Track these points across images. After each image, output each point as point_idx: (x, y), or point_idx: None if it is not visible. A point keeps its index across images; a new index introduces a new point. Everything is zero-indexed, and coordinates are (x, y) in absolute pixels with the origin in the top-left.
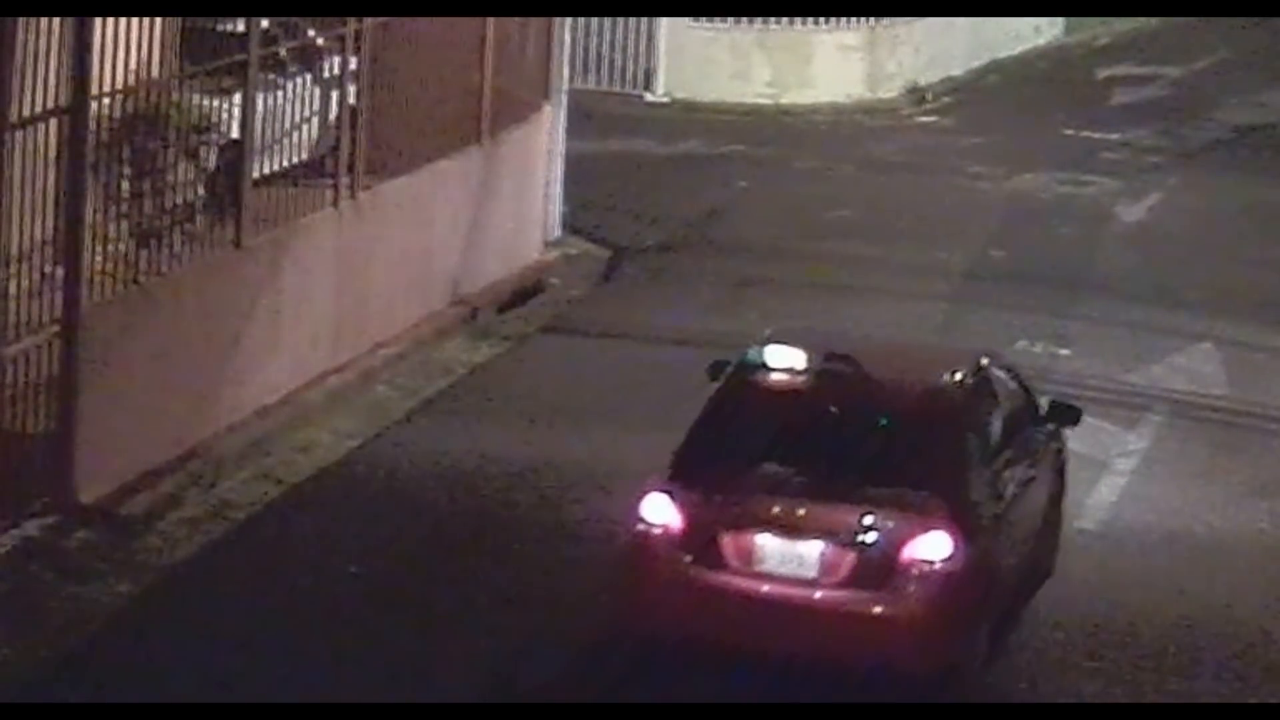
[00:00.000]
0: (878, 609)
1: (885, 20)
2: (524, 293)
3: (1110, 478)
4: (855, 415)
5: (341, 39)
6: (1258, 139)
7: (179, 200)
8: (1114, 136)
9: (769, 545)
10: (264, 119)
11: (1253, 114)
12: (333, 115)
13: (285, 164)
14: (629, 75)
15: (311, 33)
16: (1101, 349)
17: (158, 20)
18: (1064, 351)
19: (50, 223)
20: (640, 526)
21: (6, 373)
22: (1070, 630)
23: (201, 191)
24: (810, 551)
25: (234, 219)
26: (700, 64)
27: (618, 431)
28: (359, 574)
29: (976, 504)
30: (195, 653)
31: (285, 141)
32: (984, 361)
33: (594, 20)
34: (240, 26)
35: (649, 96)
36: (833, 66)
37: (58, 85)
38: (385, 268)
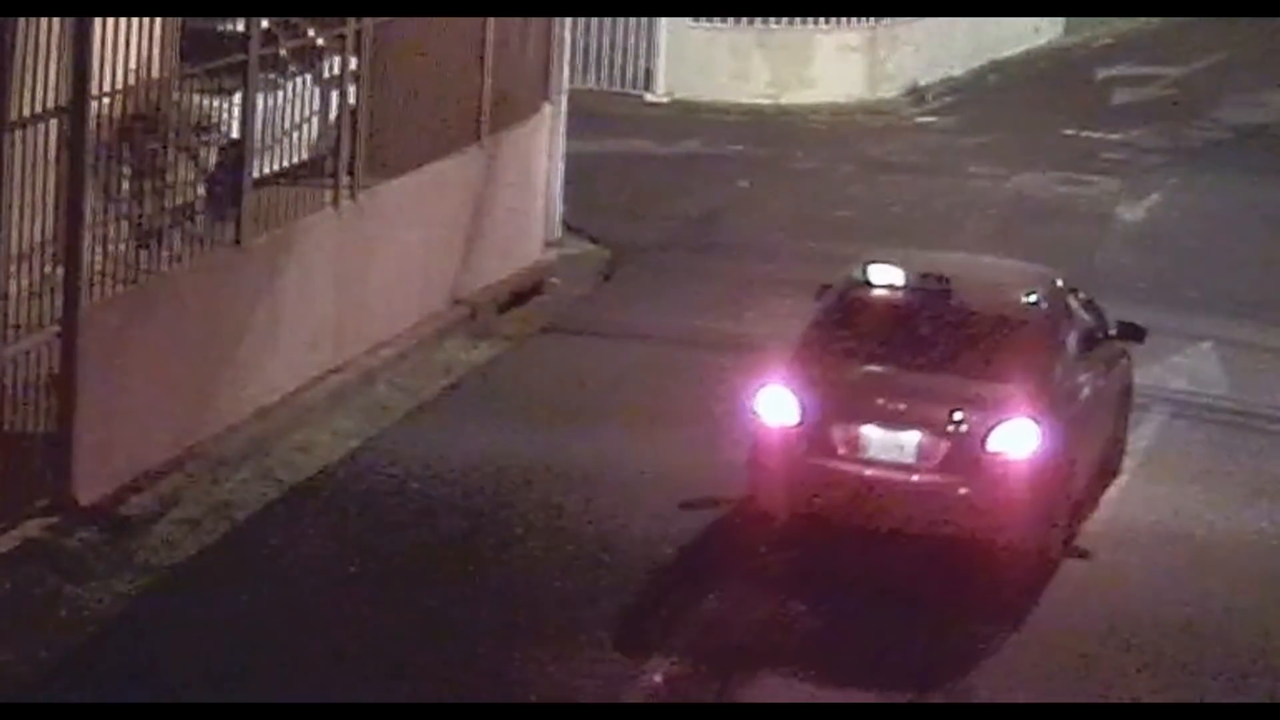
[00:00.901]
0: (968, 491)
1: (885, 20)
2: (524, 293)
3: (1110, 478)
4: (947, 322)
5: (341, 39)
6: (1258, 139)
7: (179, 200)
8: (1114, 136)
9: (873, 435)
10: (264, 119)
11: (1253, 114)
12: (333, 115)
13: (285, 164)
14: (629, 75)
15: (311, 33)
16: None
17: (158, 20)
18: None
19: (50, 223)
20: (759, 422)
21: (6, 373)
22: (1070, 630)
23: (201, 191)
24: (909, 440)
25: (234, 219)
26: (700, 64)
27: (618, 431)
28: (359, 574)
29: (1057, 400)
30: (195, 653)
31: (285, 141)
32: (1060, 280)
33: (594, 20)
34: (240, 26)
35: (649, 96)
36: (833, 66)
37: (58, 85)
38: (385, 268)
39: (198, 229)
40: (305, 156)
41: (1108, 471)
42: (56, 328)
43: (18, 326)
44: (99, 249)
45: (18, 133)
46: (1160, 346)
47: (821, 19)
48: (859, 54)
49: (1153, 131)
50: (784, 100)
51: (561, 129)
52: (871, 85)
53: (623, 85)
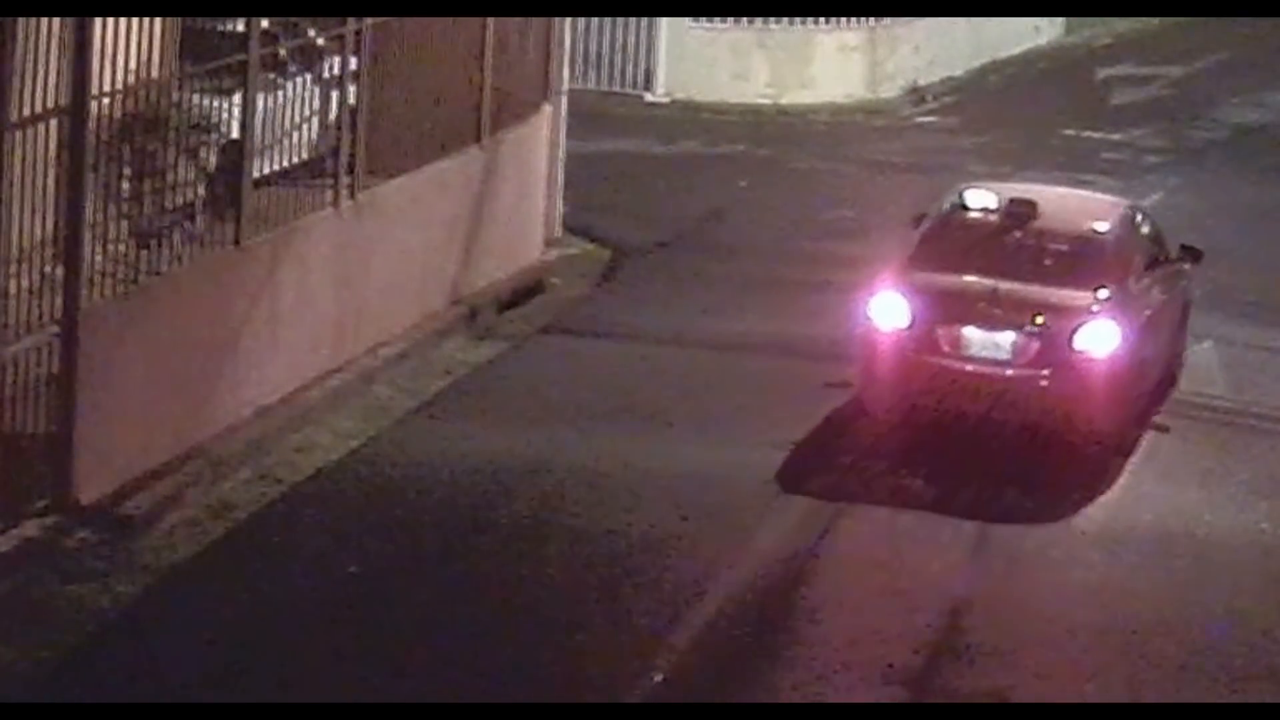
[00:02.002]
0: (1055, 384)
1: (885, 20)
2: (524, 293)
3: (1110, 478)
4: (1035, 240)
5: (341, 39)
6: (1258, 139)
7: (179, 200)
8: (1114, 136)
9: (974, 336)
10: (264, 119)
11: (1253, 114)
12: (333, 115)
13: (285, 164)
14: (629, 75)
15: (311, 33)
16: None
17: (158, 20)
18: None
19: (50, 223)
20: (871, 325)
21: (6, 373)
22: (1070, 630)
23: (201, 191)
24: (1005, 340)
25: (234, 219)
26: (700, 64)
27: (618, 431)
28: (359, 574)
29: (1130, 308)
30: (195, 653)
31: (285, 141)
32: (1131, 206)
33: (594, 20)
34: (240, 26)
35: (649, 96)
36: (833, 66)
37: (58, 85)
38: (385, 268)
39: (198, 229)
40: (305, 156)
41: (1170, 376)
42: (56, 328)
43: (18, 326)
44: (99, 249)
45: (18, 133)
46: None
47: (821, 19)
48: (859, 54)
49: (1153, 131)
50: (784, 100)
51: (561, 129)
52: (871, 85)
53: (623, 85)
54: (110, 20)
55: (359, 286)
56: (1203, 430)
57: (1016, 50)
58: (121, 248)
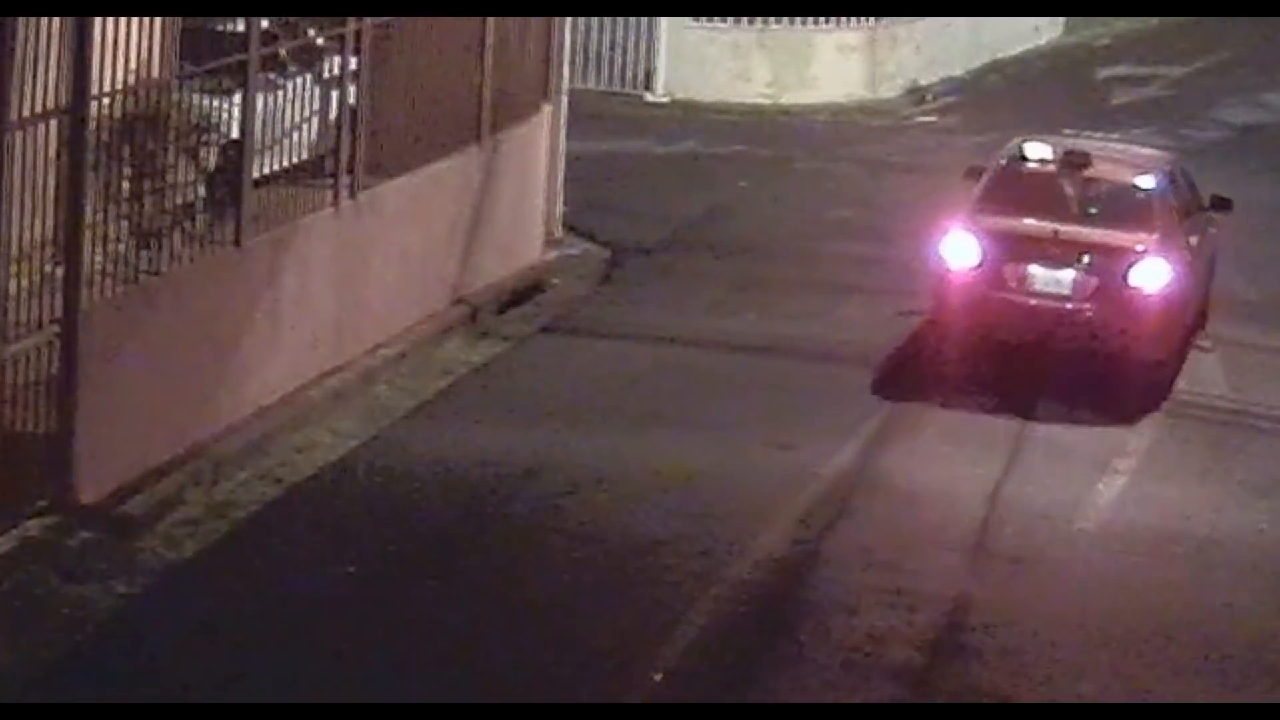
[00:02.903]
0: (1112, 315)
1: (885, 20)
2: (524, 293)
3: (1110, 478)
4: (1089, 188)
5: (341, 39)
6: (1258, 139)
7: (179, 200)
8: (1114, 136)
9: (1038, 273)
10: (264, 119)
11: (1253, 114)
12: (333, 115)
13: (285, 164)
14: (629, 75)
15: (311, 33)
16: None
17: (158, 20)
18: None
19: (50, 223)
20: (944, 264)
21: (6, 373)
22: (1070, 630)
23: (201, 191)
24: (1066, 276)
25: (234, 219)
26: (700, 64)
27: (618, 431)
28: (358, 574)
29: (1175, 249)
30: (195, 653)
31: (285, 141)
32: (1172, 159)
33: (594, 20)
34: (240, 26)
35: (649, 96)
36: (833, 66)
37: (58, 85)
38: (385, 268)
39: (198, 229)
40: (305, 156)
41: (1202, 314)
42: (56, 328)
43: (18, 326)
44: (99, 249)
45: (18, 133)
46: None
47: (821, 19)
48: (859, 54)
49: (1152, 131)
50: (784, 100)
51: (561, 129)
52: (871, 85)
53: (623, 85)
54: (110, 20)
55: (359, 286)
56: (1203, 430)
57: (1016, 50)
58: (121, 248)
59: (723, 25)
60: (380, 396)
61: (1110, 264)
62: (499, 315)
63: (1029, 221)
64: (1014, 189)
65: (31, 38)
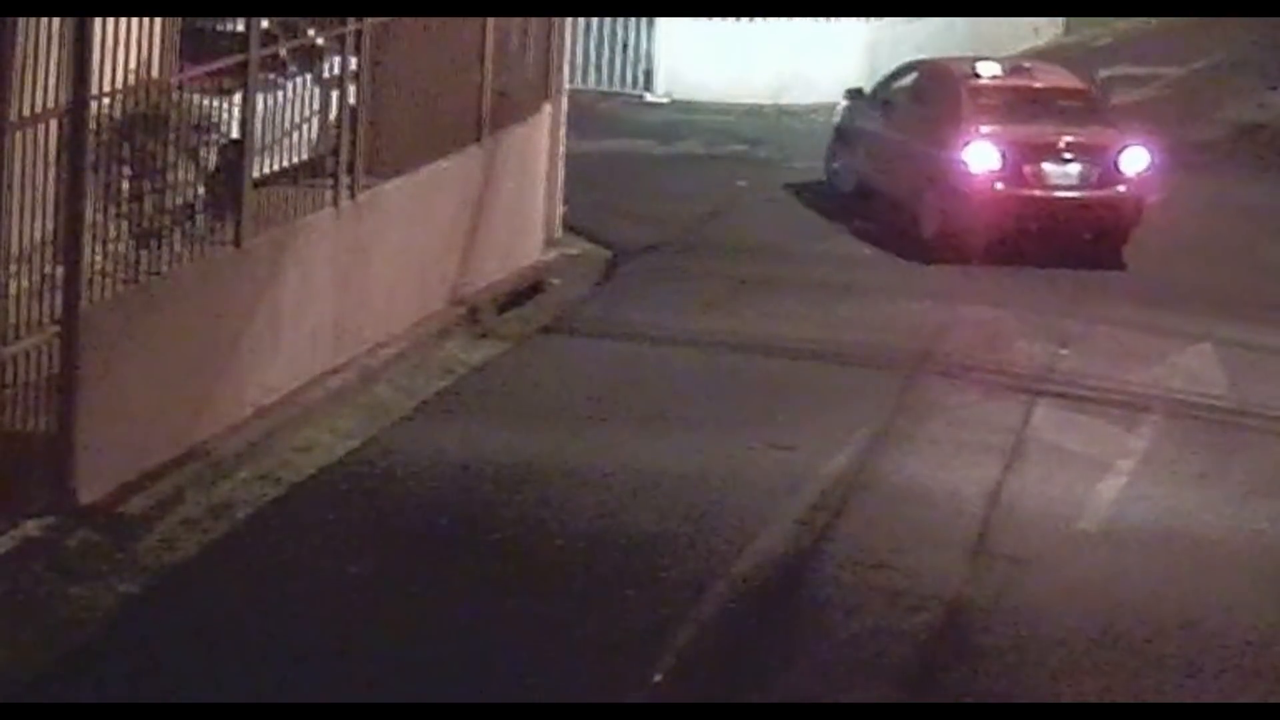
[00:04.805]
0: (1112, 197)
1: (885, 20)
2: (524, 293)
3: (1110, 478)
4: (1047, 95)
5: (341, 39)
6: (1258, 139)
7: (179, 200)
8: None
9: (1051, 169)
10: (264, 119)
11: (1253, 114)
12: (333, 115)
13: (285, 164)
14: (629, 75)
15: (311, 33)
16: (1101, 349)
17: (158, 20)
18: (1064, 351)
19: (50, 223)
20: (967, 169)
21: (6, 373)
22: (1070, 630)
23: (201, 191)
24: (1074, 169)
25: (234, 219)
26: (700, 64)
27: (618, 431)
28: (358, 574)
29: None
30: (195, 653)
31: (285, 141)
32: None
33: (594, 20)
34: (240, 26)
35: (649, 96)
36: (832, 66)
37: (58, 85)
38: (385, 268)
39: (198, 229)
40: (305, 156)
41: None
42: (56, 328)
43: (18, 326)
44: (99, 249)
45: (18, 133)
46: (1160, 346)
47: (821, 19)
48: (859, 54)
49: (1153, 131)
50: (784, 100)
51: (561, 129)
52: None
53: (623, 85)
54: (110, 20)
55: (359, 286)
56: (1202, 430)
57: (1016, 50)
58: (121, 248)
59: (723, 25)
60: (380, 396)
61: (1104, 156)
62: (499, 315)
63: (1034, 126)
64: (991, 101)
65: (31, 38)
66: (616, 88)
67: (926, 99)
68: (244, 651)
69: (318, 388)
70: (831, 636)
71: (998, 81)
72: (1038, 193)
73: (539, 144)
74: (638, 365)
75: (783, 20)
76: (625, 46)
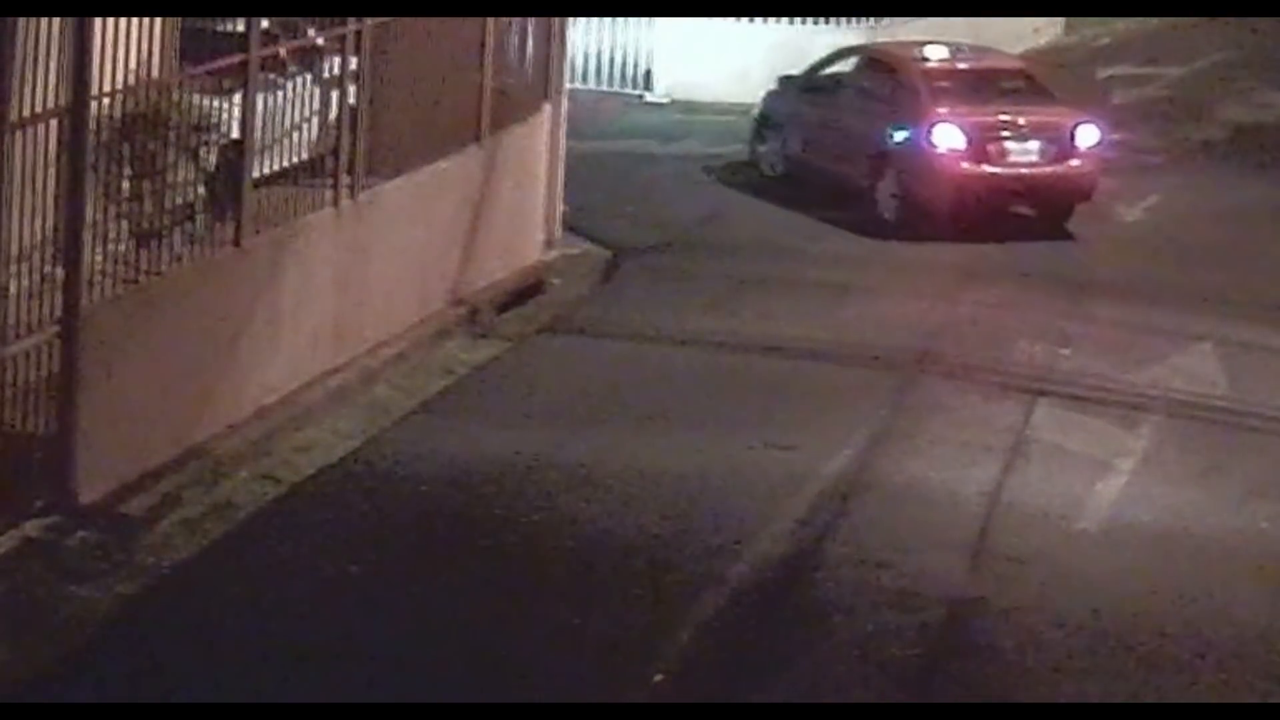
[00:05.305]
0: (1070, 171)
1: (885, 20)
2: (524, 293)
3: (1110, 478)
4: (991, 75)
5: (341, 39)
6: (1258, 139)
7: (179, 200)
8: (1113, 136)
9: (1013, 146)
10: (264, 119)
11: (1253, 114)
12: (333, 115)
13: (285, 164)
14: (629, 75)
15: (311, 33)
16: (1101, 349)
17: (158, 20)
18: (1064, 351)
19: (50, 223)
20: (935, 149)
21: (6, 373)
22: (1070, 630)
23: (201, 191)
24: (1033, 146)
25: (234, 219)
26: (700, 64)
27: (618, 431)
28: (359, 574)
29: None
30: (195, 653)
31: (285, 141)
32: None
33: (594, 20)
34: (240, 26)
35: (649, 96)
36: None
37: (58, 85)
38: (385, 268)
39: (198, 229)
40: (305, 156)
41: None
42: (56, 328)
43: (18, 326)
44: (99, 249)
45: (18, 133)
46: (1160, 346)
47: (821, 19)
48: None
49: (1152, 131)
50: None
51: (562, 129)
52: None
53: (623, 85)
54: (110, 20)
55: (359, 286)
56: (1203, 430)
57: (1016, 50)
58: (121, 248)
59: (722, 25)
60: (380, 396)
61: (1060, 132)
62: (499, 315)
63: (993, 106)
64: (946, 83)
65: (31, 38)
66: (616, 88)
67: (876, 83)
68: (244, 651)
69: (318, 388)
70: (831, 636)
71: (947, 65)
72: (1001, 169)
73: (539, 144)
74: (638, 365)
75: (783, 21)
76: (625, 47)
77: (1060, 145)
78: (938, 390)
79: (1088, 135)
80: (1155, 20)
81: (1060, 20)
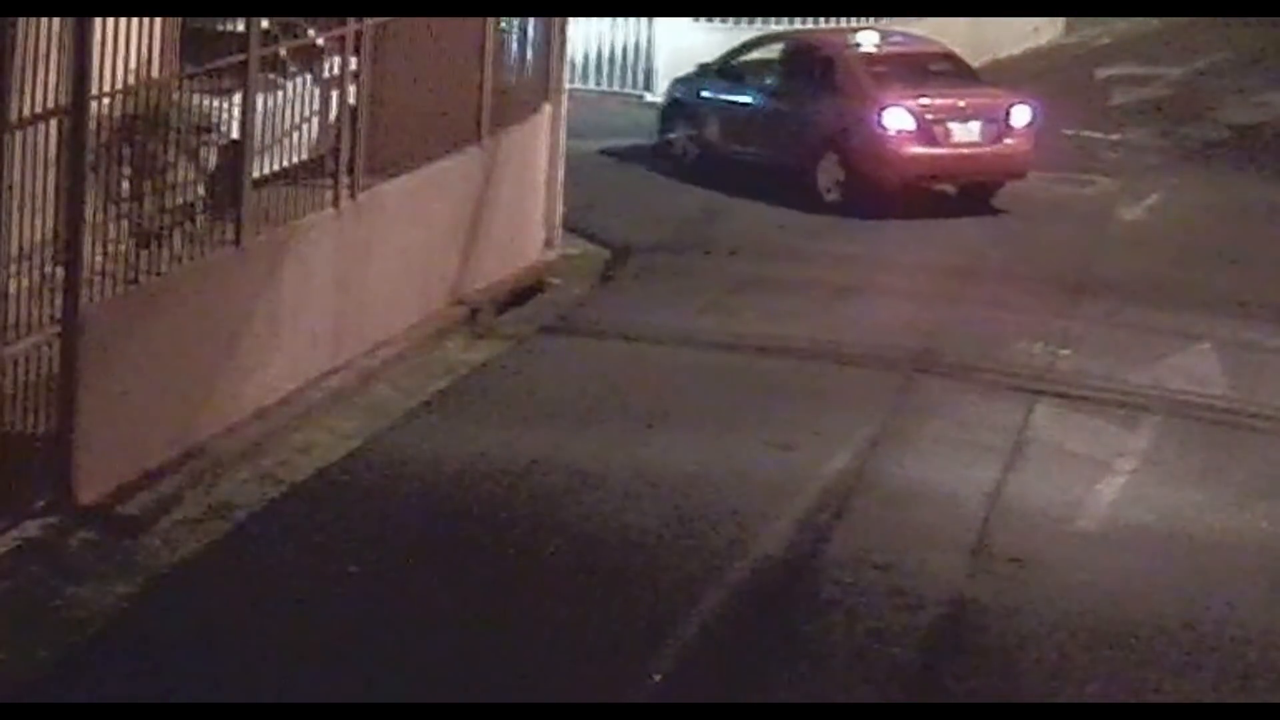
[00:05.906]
0: (1008, 149)
1: (885, 20)
2: (524, 293)
3: (1110, 478)
4: (923, 61)
5: (341, 39)
6: (1258, 139)
7: (179, 200)
8: (1113, 136)
9: (956, 127)
10: (264, 119)
11: (1253, 114)
12: (333, 115)
13: (285, 164)
14: (629, 76)
15: (311, 33)
16: (1101, 349)
17: (158, 20)
18: (1064, 351)
19: (50, 223)
20: (885, 132)
21: (6, 373)
22: (1070, 630)
23: (201, 191)
24: (974, 126)
25: (234, 219)
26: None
27: (618, 431)
28: (359, 574)
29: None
30: (195, 653)
31: (285, 141)
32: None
33: (594, 20)
34: (240, 26)
35: (649, 96)
36: None
37: (58, 85)
38: (385, 268)
39: (198, 229)
40: (305, 156)
41: None
42: (56, 328)
43: (18, 326)
44: (99, 249)
45: (18, 133)
46: (1160, 346)
47: (821, 19)
48: None
49: (1152, 131)
50: None
51: (561, 129)
52: None
53: (623, 85)
54: (110, 20)
55: (359, 286)
56: (1203, 430)
57: (1016, 50)
58: (121, 248)
59: (721, 25)
60: (380, 396)
61: (997, 113)
62: (499, 315)
63: (933, 89)
64: (885, 69)
65: (31, 38)
66: (616, 88)
67: (808, 70)
68: (244, 651)
69: (318, 388)
70: (831, 636)
71: (882, 50)
72: (946, 150)
73: (539, 144)
74: (637, 365)
75: (782, 20)
76: (625, 47)
77: (998, 126)
78: (938, 389)
79: (1021, 115)
80: (1155, 20)
81: (1060, 20)
